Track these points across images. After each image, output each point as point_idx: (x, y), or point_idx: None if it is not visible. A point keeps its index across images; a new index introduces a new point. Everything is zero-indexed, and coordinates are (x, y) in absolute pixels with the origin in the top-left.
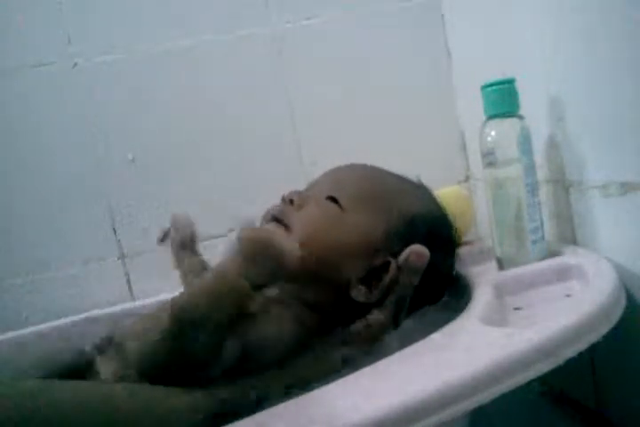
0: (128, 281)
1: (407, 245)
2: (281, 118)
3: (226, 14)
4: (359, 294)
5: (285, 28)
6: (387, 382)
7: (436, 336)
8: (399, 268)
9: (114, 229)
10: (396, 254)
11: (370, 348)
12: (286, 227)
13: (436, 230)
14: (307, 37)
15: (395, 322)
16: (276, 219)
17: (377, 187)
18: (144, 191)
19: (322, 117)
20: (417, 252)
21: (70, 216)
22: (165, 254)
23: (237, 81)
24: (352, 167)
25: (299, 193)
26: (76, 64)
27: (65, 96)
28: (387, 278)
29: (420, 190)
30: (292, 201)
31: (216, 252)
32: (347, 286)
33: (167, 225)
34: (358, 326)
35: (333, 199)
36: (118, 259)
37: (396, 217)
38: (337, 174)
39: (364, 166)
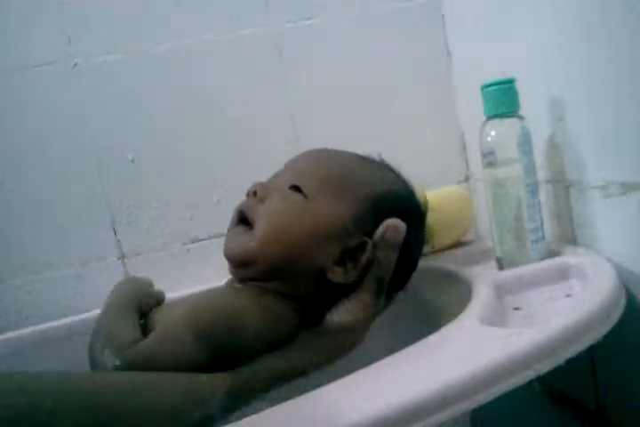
0: None
1: (378, 223)
2: (281, 118)
3: (226, 14)
4: (336, 275)
5: (285, 28)
6: (387, 382)
7: (435, 336)
8: (375, 245)
9: (114, 229)
10: (370, 234)
11: (359, 334)
12: (250, 225)
13: (404, 206)
14: (307, 37)
15: (378, 301)
16: (243, 215)
17: (339, 170)
18: (144, 191)
19: (321, 117)
20: (393, 225)
21: (70, 216)
22: (165, 254)
23: (237, 81)
24: (312, 153)
25: (261, 185)
26: (75, 64)
27: (65, 96)
28: (363, 257)
29: (384, 169)
30: (255, 193)
31: (215, 252)
32: (323, 271)
33: (167, 225)
34: (341, 309)
35: (296, 188)
36: (118, 259)
37: (363, 198)
38: (298, 162)
39: (325, 151)
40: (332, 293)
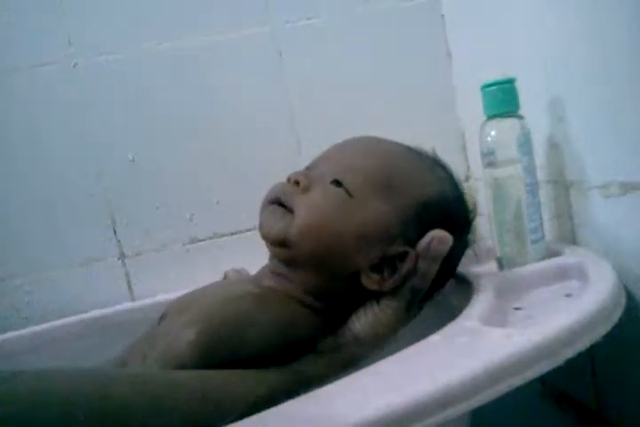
0: (128, 281)
1: (423, 230)
2: (281, 118)
3: (226, 14)
4: (371, 281)
5: (285, 28)
6: (387, 382)
7: (435, 336)
8: (417, 255)
9: (114, 229)
10: (411, 241)
11: (383, 337)
12: (289, 210)
13: (452, 215)
14: (307, 37)
15: (408, 310)
16: (279, 201)
17: (387, 168)
18: (144, 191)
19: (322, 117)
20: (439, 237)
21: (70, 216)
22: (165, 254)
23: (237, 81)
24: (359, 143)
25: (305, 175)
26: (75, 64)
27: (65, 96)
28: (404, 268)
29: (435, 168)
30: (297, 182)
31: (215, 252)
32: (357, 275)
33: (167, 225)
34: (369, 314)
35: (339, 184)
36: (118, 259)
37: (410, 202)
38: (344, 153)
39: (373, 141)
40: (361, 296)
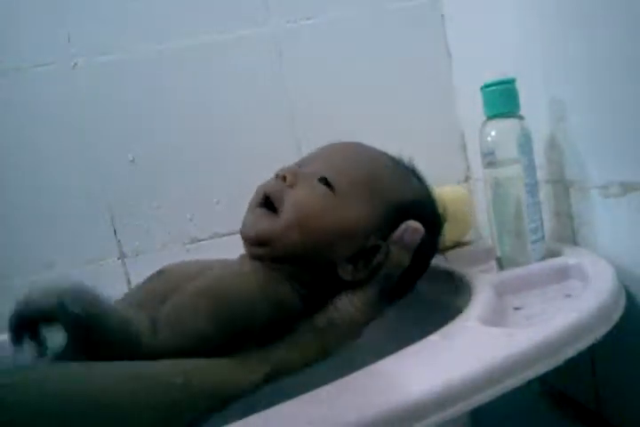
0: (128, 281)
1: (396, 227)
2: (281, 118)
3: (226, 14)
4: (345, 272)
5: (285, 28)
6: (387, 382)
7: (435, 336)
8: (391, 244)
9: (114, 229)
10: (385, 237)
11: (358, 324)
12: (275, 209)
13: (424, 215)
14: (307, 37)
15: (381, 299)
16: (267, 198)
17: (371, 172)
18: (144, 191)
19: (321, 117)
20: (412, 227)
21: (70, 216)
22: (165, 254)
23: (237, 81)
24: (346, 148)
25: (292, 172)
26: (75, 64)
27: (65, 96)
28: (375, 259)
29: (412, 176)
30: (285, 178)
31: (215, 252)
32: (334, 266)
33: (167, 225)
34: (344, 300)
35: (326, 181)
36: (118, 259)
37: (388, 204)
38: (331, 155)
39: (359, 147)
40: (338, 285)
